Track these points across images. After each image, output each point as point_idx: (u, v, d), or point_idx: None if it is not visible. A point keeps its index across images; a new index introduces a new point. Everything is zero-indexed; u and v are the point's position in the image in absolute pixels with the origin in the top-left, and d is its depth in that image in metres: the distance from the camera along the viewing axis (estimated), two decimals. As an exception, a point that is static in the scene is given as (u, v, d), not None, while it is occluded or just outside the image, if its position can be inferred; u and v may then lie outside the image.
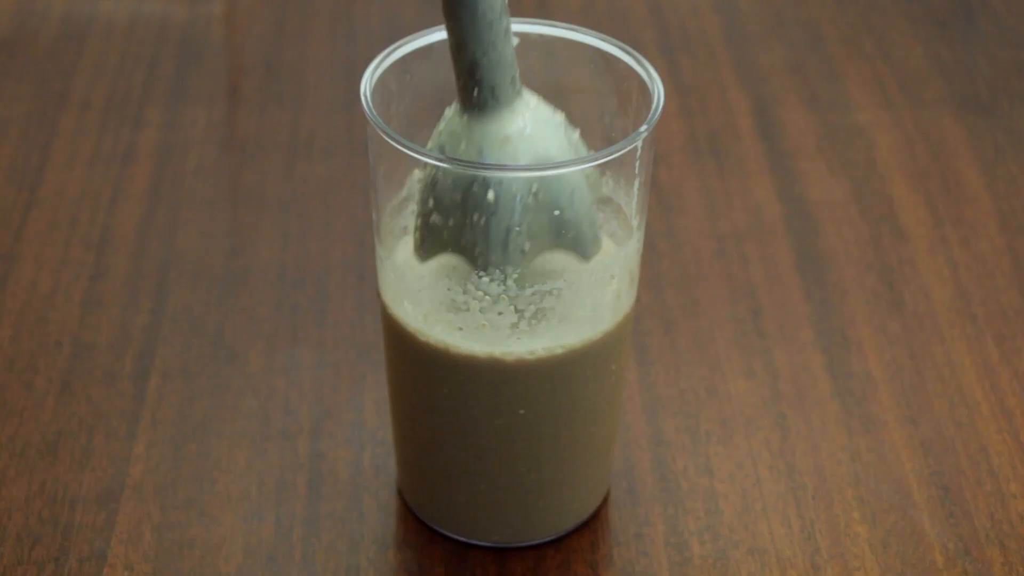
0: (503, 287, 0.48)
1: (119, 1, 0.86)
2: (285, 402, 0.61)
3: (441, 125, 0.48)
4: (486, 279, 0.48)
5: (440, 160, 0.46)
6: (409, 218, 0.52)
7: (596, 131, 0.52)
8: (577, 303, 0.49)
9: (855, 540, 0.55)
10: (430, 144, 0.48)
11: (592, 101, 0.52)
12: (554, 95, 0.52)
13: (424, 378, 0.51)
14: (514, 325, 0.49)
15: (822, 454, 0.59)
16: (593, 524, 0.56)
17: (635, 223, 0.50)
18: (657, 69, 0.49)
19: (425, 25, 0.51)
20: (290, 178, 0.73)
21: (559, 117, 0.49)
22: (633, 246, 0.50)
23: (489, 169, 0.50)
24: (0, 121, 0.76)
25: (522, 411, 0.50)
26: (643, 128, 0.47)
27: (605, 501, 0.57)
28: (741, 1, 0.87)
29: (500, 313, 0.49)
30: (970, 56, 0.82)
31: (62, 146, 0.75)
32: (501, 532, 0.55)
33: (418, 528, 0.56)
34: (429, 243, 0.48)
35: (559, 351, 0.49)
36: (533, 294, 0.48)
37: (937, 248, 0.69)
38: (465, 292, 0.49)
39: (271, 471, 0.58)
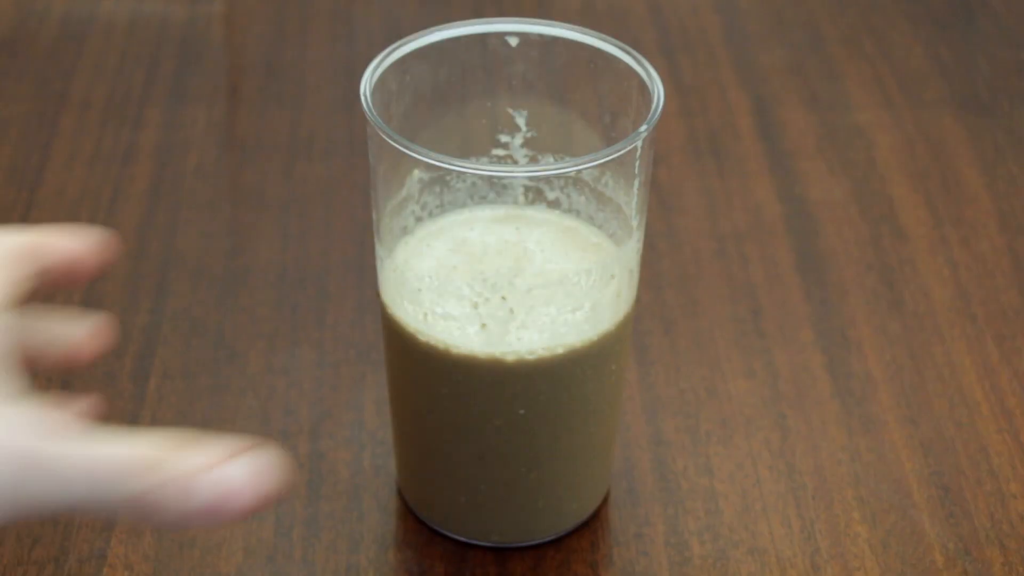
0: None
1: (119, 1, 0.86)
2: (285, 402, 0.61)
3: None
4: None
5: (441, 161, 0.46)
6: (409, 218, 0.52)
7: (596, 131, 0.52)
8: (577, 303, 0.49)
9: (855, 540, 0.55)
10: None
11: (592, 101, 0.52)
12: (554, 95, 0.52)
13: (424, 378, 0.51)
14: (514, 324, 0.49)
15: (822, 454, 0.59)
16: (593, 524, 0.56)
17: (635, 223, 0.50)
18: (657, 69, 0.49)
19: (425, 25, 0.51)
20: (290, 178, 0.73)
21: None
22: (633, 245, 0.50)
23: (492, 172, 0.50)
24: (0, 121, 0.76)
25: (522, 411, 0.50)
26: (643, 128, 0.47)
27: (605, 501, 0.57)
28: (741, 1, 0.87)
29: (500, 313, 0.49)
30: (970, 56, 0.82)
31: (62, 146, 0.75)
32: (501, 532, 0.54)
33: (418, 528, 0.56)
34: None
35: (559, 351, 0.49)
36: (532, 293, 0.48)
37: (937, 248, 0.69)
38: (465, 292, 0.49)
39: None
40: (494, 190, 0.53)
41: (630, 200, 0.50)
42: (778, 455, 0.59)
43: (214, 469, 0.37)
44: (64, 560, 0.54)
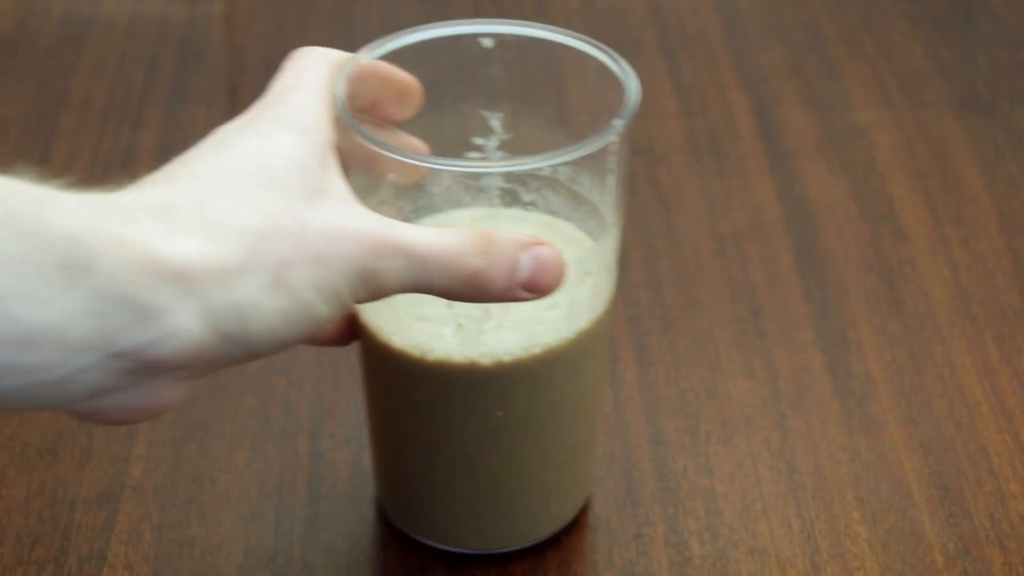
0: None
1: (119, 1, 0.86)
2: (285, 402, 0.61)
3: None
4: None
5: (410, 158, 0.45)
6: None
7: (573, 132, 0.50)
8: (553, 300, 0.47)
9: (855, 540, 0.55)
10: None
11: (569, 101, 0.51)
12: (530, 96, 0.51)
13: (399, 383, 0.50)
14: (490, 324, 0.48)
15: (822, 454, 0.59)
16: (593, 524, 0.56)
17: (612, 220, 0.49)
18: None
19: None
20: (290, 178, 0.73)
21: None
22: (610, 242, 0.50)
23: (463, 167, 0.49)
24: (0, 121, 0.76)
25: (500, 413, 0.50)
26: (615, 122, 0.46)
27: (588, 506, 0.57)
28: (741, 1, 0.87)
29: (475, 312, 0.48)
30: (970, 56, 0.82)
31: (62, 146, 0.75)
32: (480, 538, 0.54)
33: (418, 528, 0.56)
34: None
35: (536, 351, 0.49)
36: None
37: (937, 248, 0.69)
38: None
39: (271, 471, 0.58)
40: (469, 193, 0.52)
41: (606, 198, 0.49)
42: (778, 455, 0.59)
43: (531, 247, 0.42)
44: (64, 560, 0.54)
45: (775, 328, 0.64)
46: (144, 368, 0.38)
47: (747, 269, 0.68)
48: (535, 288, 0.43)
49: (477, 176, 0.52)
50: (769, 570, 0.54)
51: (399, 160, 0.45)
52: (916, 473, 0.58)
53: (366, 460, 0.58)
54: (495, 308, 0.48)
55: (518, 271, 0.42)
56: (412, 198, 0.52)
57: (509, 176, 0.52)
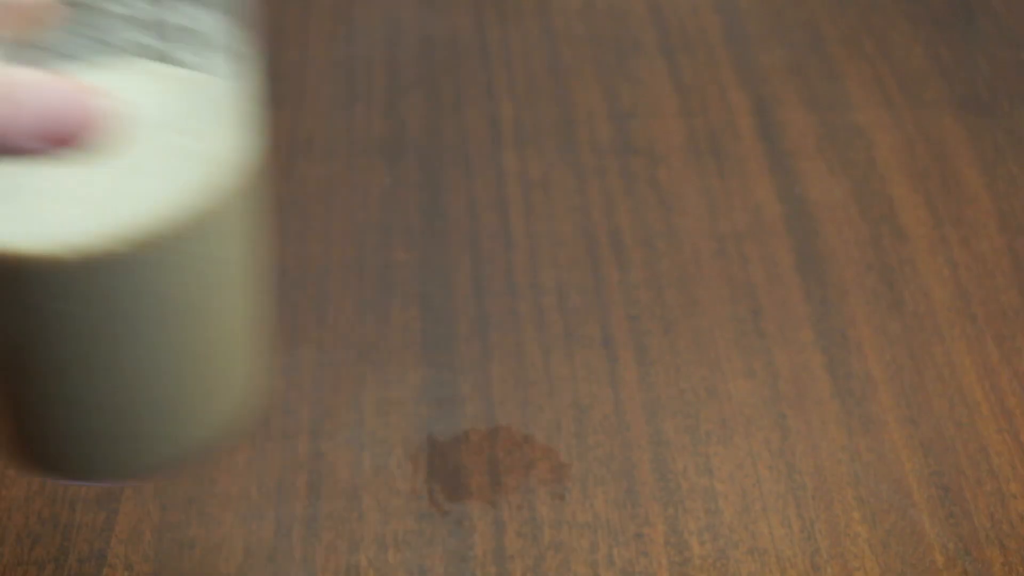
0: None
1: (119, 1, 0.86)
2: (285, 402, 0.61)
3: None
4: None
5: None
6: None
7: None
8: (144, 166, 0.38)
9: (855, 540, 0.55)
10: None
11: None
12: None
13: None
14: (54, 201, 0.38)
15: (822, 454, 0.59)
16: (593, 524, 0.56)
17: (226, 60, 0.39)
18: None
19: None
20: (289, 178, 0.73)
21: None
22: (214, 91, 0.40)
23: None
24: (0, 121, 0.76)
25: (94, 315, 0.38)
26: None
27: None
28: (741, 1, 0.87)
29: (24, 180, 0.38)
30: (970, 56, 0.82)
31: (62, 146, 0.74)
32: (111, 466, 0.42)
33: (418, 528, 0.56)
34: None
35: (133, 235, 0.37)
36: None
37: (937, 248, 0.69)
38: None
39: (271, 471, 0.58)
40: (98, 49, 0.40)
41: (212, 28, 0.39)
42: (778, 455, 0.59)
43: (52, 87, 0.34)
44: (64, 560, 0.54)
45: (775, 328, 0.64)
46: None
47: (747, 269, 0.68)
48: (53, 138, 0.34)
49: (92, 26, 0.39)
50: (769, 570, 0.54)
51: None
52: (916, 473, 0.58)
53: (366, 460, 0.58)
54: (64, 178, 0.37)
55: (25, 115, 0.33)
56: (26, 57, 0.39)
57: (142, 26, 0.39)
